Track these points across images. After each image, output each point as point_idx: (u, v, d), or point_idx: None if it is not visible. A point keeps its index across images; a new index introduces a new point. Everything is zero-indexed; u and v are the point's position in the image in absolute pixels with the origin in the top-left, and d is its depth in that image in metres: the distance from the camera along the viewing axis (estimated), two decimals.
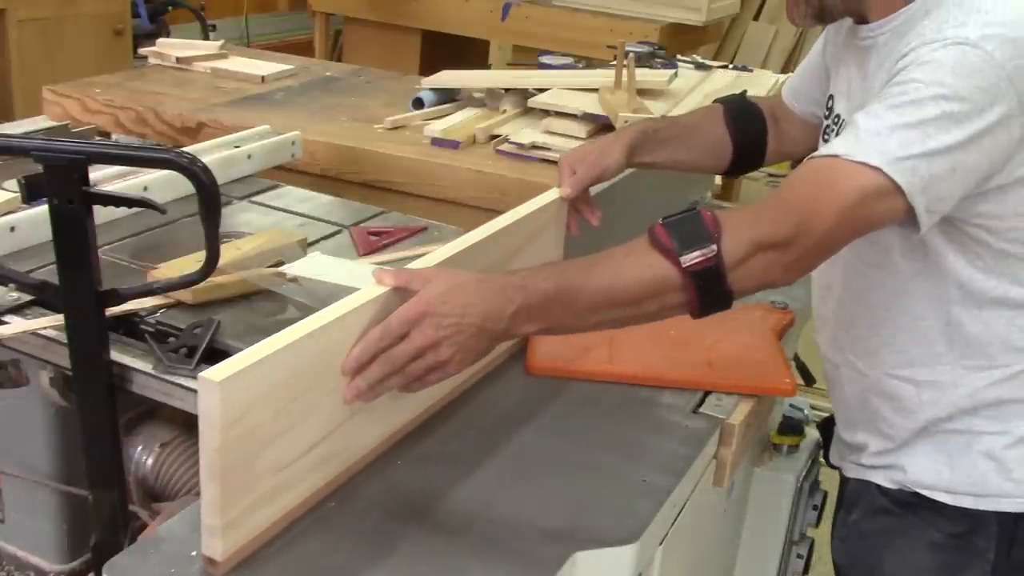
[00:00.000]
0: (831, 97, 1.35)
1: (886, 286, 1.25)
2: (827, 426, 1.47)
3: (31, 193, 1.32)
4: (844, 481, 1.41)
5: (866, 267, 1.27)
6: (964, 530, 1.26)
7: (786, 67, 5.76)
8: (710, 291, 1.07)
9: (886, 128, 1.07)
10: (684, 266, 1.06)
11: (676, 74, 2.81)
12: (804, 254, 1.08)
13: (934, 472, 1.26)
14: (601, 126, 2.33)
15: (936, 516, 1.27)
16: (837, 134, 1.27)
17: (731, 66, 3.19)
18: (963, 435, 1.24)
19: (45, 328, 1.43)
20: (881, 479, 1.31)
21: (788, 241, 1.06)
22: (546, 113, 2.41)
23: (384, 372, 1.02)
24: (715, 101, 1.57)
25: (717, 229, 1.07)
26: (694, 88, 2.80)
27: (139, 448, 1.59)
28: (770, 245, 1.07)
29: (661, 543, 1.12)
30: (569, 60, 3.07)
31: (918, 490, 1.27)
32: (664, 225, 1.12)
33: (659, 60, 2.97)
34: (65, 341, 1.32)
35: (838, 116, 1.31)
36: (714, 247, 1.06)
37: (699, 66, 3.10)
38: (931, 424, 1.25)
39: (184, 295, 1.48)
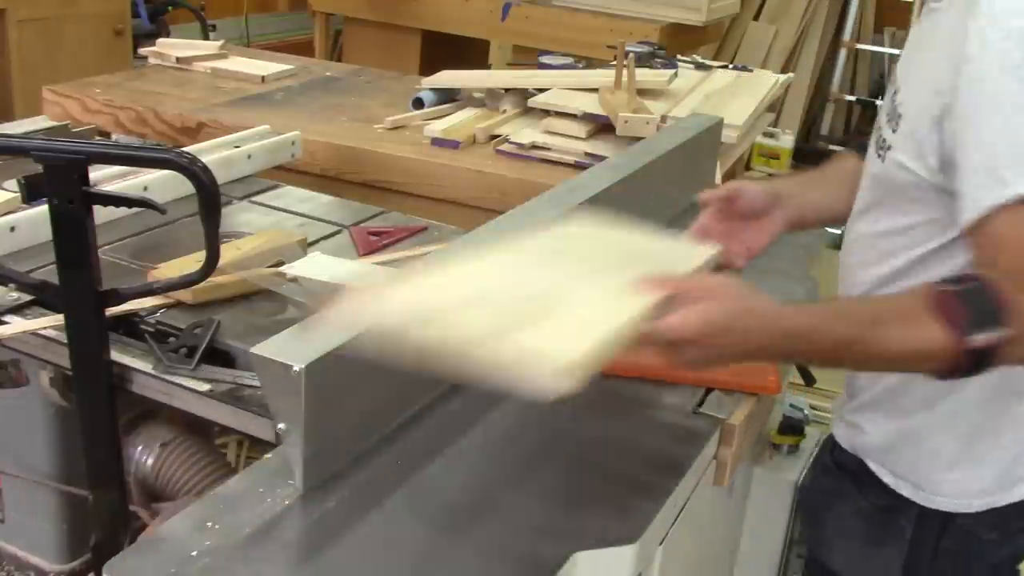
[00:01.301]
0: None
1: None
2: None
3: (31, 193, 1.32)
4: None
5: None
6: (888, 505, 1.29)
7: (786, 67, 5.76)
8: (978, 369, 1.03)
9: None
10: (969, 347, 1.00)
11: (676, 74, 2.81)
12: None
13: (885, 448, 1.28)
14: (601, 126, 2.33)
15: (870, 486, 1.30)
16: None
17: (731, 66, 3.19)
18: (925, 424, 1.24)
19: (45, 328, 1.43)
20: (841, 433, 1.34)
21: None
22: (546, 113, 2.41)
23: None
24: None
25: (1006, 308, 1.00)
26: (694, 88, 2.80)
27: (139, 448, 1.59)
28: None
29: (661, 543, 1.12)
30: (569, 60, 3.07)
31: (865, 460, 1.30)
32: (952, 295, 1.02)
33: (659, 60, 2.97)
34: (65, 341, 1.32)
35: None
36: (1004, 332, 1.00)
37: (699, 66, 3.10)
38: (901, 400, 1.25)
39: (184, 295, 1.48)
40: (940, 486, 1.25)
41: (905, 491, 1.27)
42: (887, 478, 1.28)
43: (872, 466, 1.29)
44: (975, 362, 1.02)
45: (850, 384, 1.33)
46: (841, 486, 1.34)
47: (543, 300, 0.97)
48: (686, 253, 1.19)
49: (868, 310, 1.09)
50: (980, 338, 1.00)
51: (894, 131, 1.19)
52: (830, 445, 1.37)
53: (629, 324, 0.97)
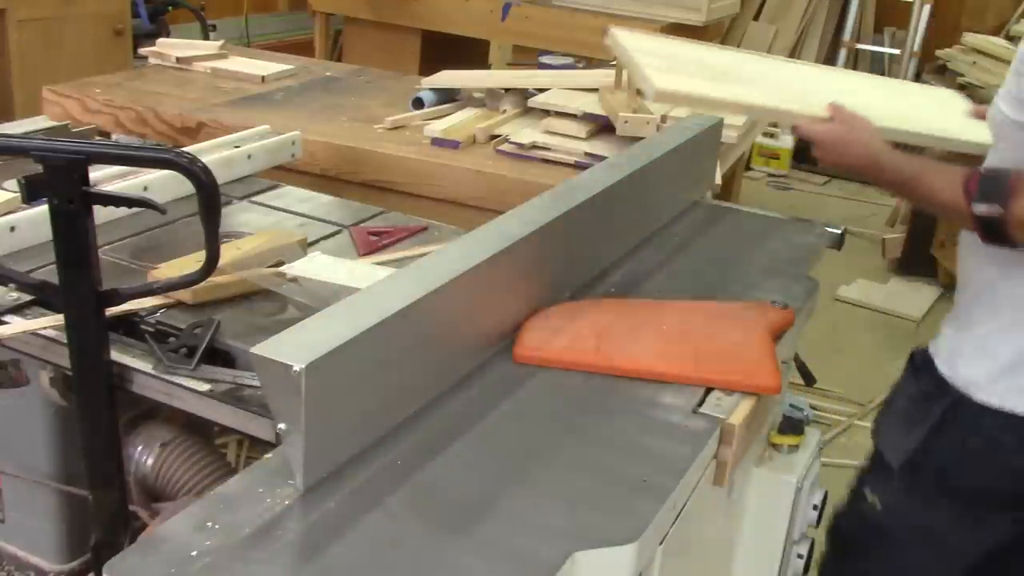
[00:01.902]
0: None
1: None
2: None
3: (31, 193, 1.32)
4: None
5: None
6: (930, 391, 1.55)
7: None
8: (992, 233, 1.38)
9: None
10: (974, 212, 1.37)
11: None
12: None
13: (945, 339, 1.57)
14: (601, 126, 2.33)
15: (925, 372, 1.57)
16: None
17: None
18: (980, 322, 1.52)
19: (45, 328, 1.43)
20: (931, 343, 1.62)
21: None
22: (546, 113, 2.41)
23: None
24: None
25: (1010, 195, 1.34)
26: None
27: (139, 448, 1.59)
28: None
29: (661, 543, 1.12)
30: (569, 60, 3.07)
31: (932, 354, 1.58)
32: (979, 174, 1.40)
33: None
34: (65, 341, 1.32)
35: None
36: (997, 209, 1.35)
37: None
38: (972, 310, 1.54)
39: (184, 295, 1.48)
40: (976, 379, 1.50)
41: (944, 370, 1.54)
42: (939, 362, 1.55)
43: (933, 355, 1.57)
44: (983, 228, 1.38)
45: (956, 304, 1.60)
46: (907, 377, 1.62)
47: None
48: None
49: (933, 165, 1.50)
50: (981, 208, 1.37)
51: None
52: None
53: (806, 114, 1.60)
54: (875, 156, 1.52)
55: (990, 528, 1.57)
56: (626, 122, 2.24)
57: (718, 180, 2.21)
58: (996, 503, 1.55)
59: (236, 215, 1.93)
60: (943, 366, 1.54)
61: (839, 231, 2.04)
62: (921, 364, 1.59)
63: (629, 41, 1.94)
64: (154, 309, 1.48)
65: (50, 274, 1.33)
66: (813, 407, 2.20)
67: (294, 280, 1.55)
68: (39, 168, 1.23)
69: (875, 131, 1.57)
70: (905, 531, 1.60)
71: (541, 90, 2.51)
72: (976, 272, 1.54)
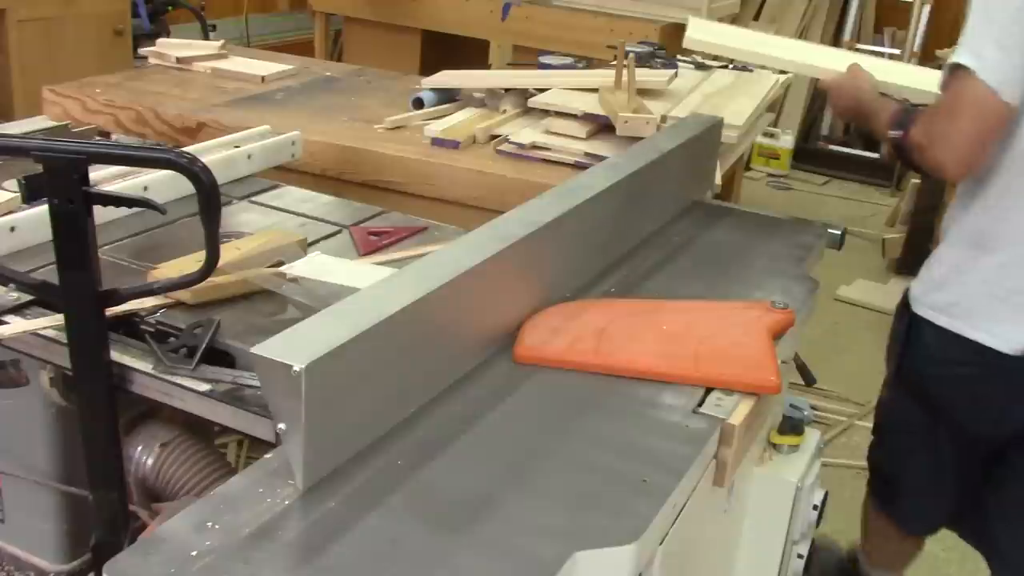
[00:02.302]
0: None
1: None
2: None
3: (31, 193, 1.33)
4: None
5: None
6: (901, 306, 1.93)
7: None
8: (900, 154, 1.80)
9: None
10: (889, 136, 1.81)
11: (676, 74, 2.81)
12: None
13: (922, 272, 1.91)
14: (601, 126, 2.33)
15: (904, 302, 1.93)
16: None
17: (731, 66, 3.18)
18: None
19: (45, 328, 1.43)
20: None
21: None
22: (546, 113, 2.41)
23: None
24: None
25: (913, 124, 1.74)
26: (694, 88, 2.80)
27: (139, 448, 1.59)
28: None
29: (661, 543, 1.12)
30: (569, 60, 3.07)
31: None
32: (900, 109, 1.83)
33: (659, 60, 2.97)
34: (65, 341, 1.32)
35: None
36: (900, 134, 1.77)
37: (699, 66, 3.10)
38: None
39: (184, 295, 1.48)
40: (917, 295, 1.87)
41: (915, 290, 1.88)
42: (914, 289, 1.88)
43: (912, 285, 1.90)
44: (896, 148, 1.80)
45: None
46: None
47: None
48: None
49: (888, 105, 1.89)
50: (892, 133, 1.79)
51: None
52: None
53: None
54: (860, 97, 1.97)
55: (956, 435, 1.90)
56: (626, 122, 2.23)
57: (718, 180, 2.21)
58: (956, 414, 1.88)
59: (236, 215, 1.93)
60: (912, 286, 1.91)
61: (839, 231, 2.03)
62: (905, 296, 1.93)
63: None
64: (154, 309, 1.48)
65: (50, 274, 1.33)
66: (813, 407, 2.21)
67: (294, 280, 1.55)
68: (39, 168, 1.23)
69: (872, 82, 1.99)
70: (896, 422, 2.04)
71: (541, 90, 2.51)
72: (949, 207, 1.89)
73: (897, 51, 6.14)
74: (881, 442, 2.13)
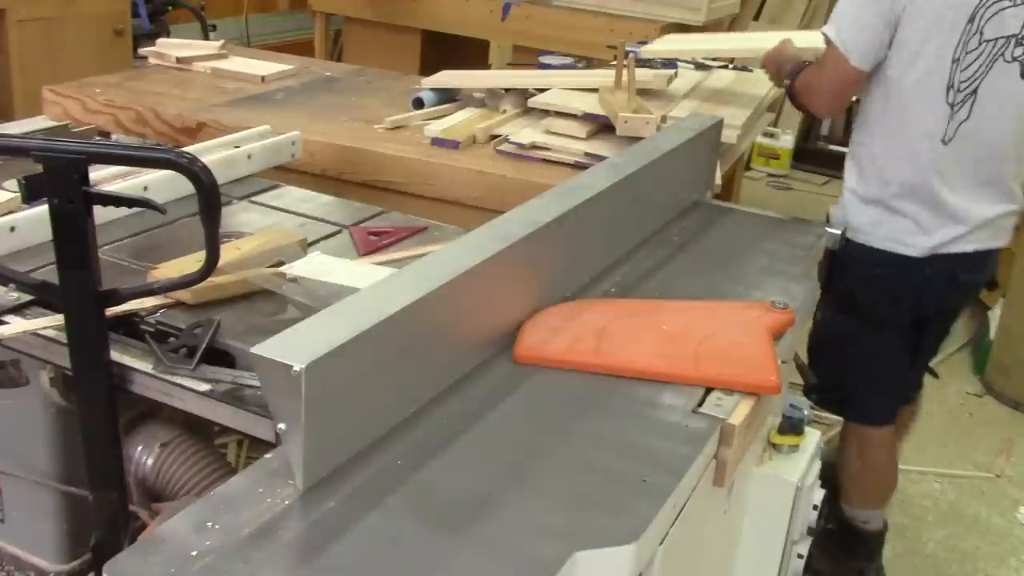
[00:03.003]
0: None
1: None
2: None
3: (31, 193, 1.33)
4: None
5: None
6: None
7: None
8: (792, 99, 2.31)
9: None
10: (784, 84, 2.34)
11: (676, 74, 2.81)
12: None
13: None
14: (601, 126, 2.33)
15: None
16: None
17: (731, 66, 3.19)
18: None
19: (45, 328, 1.43)
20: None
21: None
22: (546, 113, 2.41)
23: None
24: None
25: (798, 74, 2.26)
26: (694, 88, 2.80)
27: (139, 448, 1.59)
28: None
29: (661, 543, 1.12)
30: (569, 60, 3.07)
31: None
32: (797, 64, 2.30)
33: (659, 60, 2.97)
34: (65, 341, 1.32)
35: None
36: (791, 82, 2.28)
37: (699, 66, 3.10)
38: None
39: (184, 295, 1.48)
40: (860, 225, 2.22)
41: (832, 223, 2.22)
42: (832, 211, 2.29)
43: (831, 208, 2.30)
44: (788, 94, 2.33)
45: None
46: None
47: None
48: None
49: (795, 62, 2.32)
50: (785, 82, 2.31)
51: None
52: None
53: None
54: (779, 60, 2.39)
55: (886, 335, 2.29)
56: (626, 122, 2.24)
57: (718, 180, 2.21)
58: (879, 316, 2.27)
59: (236, 215, 1.93)
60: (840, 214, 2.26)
61: (839, 231, 2.04)
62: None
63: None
64: (154, 309, 1.48)
65: (50, 274, 1.33)
66: (813, 407, 2.20)
67: (294, 280, 1.55)
68: (39, 168, 1.23)
69: (792, 50, 2.41)
70: (836, 333, 2.35)
71: (541, 90, 2.51)
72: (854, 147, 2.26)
73: None
74: (829, 358, 2.42)
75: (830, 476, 2.38)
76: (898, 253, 2.18)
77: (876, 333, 2.29)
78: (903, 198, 2.15)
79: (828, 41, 2.11)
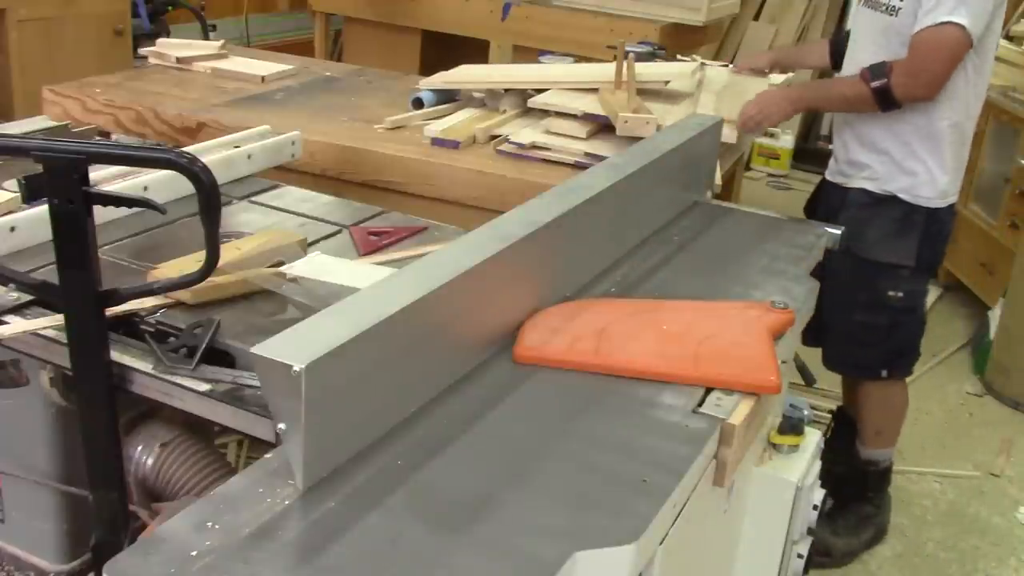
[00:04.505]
0: None
1: None
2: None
3: (31, 193, 1.33)
4: (844, 191, 2.52)
5: None
6: (908, 211, 2.44)
7: None
8: (885, 99, 2.30)
9: None
10: (872, 87, 2.30)
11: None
12: None
13: (899, 183, 2.43)
14: (601, 126, 2.33)
15: (895, 204, 2.44)
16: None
17: (730, 66, 3.18)
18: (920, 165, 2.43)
19: (45, 328, 1.43)
20: (871, 186, 2.47)
21: None
22: (546, 113, 2.41)
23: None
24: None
25: (889, 72, 2.28)
26: (694, 88, 2.80)
27: (139, 448, 1.60)
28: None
29: (661, 543, 1.12)
30: (569, 60, 3.07)
31: (892, 191, 2.44)
32: (867, 68, 2.31)
33: (659, 60, 2.97)
34: (65, 341, 1.32)
35: None
36: (884, 81, 2.28)
37: (700, 66, 3.10)
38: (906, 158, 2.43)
39: (184, 295, 1.48)
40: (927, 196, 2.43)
41: (918, 201, 2.42)
42: (904, 196, 2.43)
43: (897, 194, 2.43)
44: (879, 96, 2.30)
45: (864, 155, 2.47)
46: (879, 208, 2.45)
47: None
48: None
49: (831, 79, 2.60)
50: (875, 83, 2.29)
51: (902, 1, 2.32)
52: (862, 192, 2.48)
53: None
54: (795, 95, 2.47)
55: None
56: (626, 122, 2.24)
57: (718, 180, 2.21)
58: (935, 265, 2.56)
59: (236, 215, 1.93)
60: (915, 199, 2.42)
61: (839, 231, 2.04)
62: (886, 197, 2.45)
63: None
64: (154, 309, 1.48)
65: (50, 274, 1.33)
66: (813, 407, 2.21)
67: (294, 280, 1.55)
68: (39, 168, 1.23)
69: (783, 90, 2.51)
70: (920, 302, 2.58)
71: (541, 90, 2.51)
72: (883, 136, 2.41)
73: None
74: (910, 329, 2.58)
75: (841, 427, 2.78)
76: (952, 204, 2.47)
77: (926, 284, 2.58)
78: (965, 155, 2.45)
79: (949, 26, 2.20)
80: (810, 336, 2.68)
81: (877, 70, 2.28)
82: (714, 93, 2.69)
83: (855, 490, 2.73)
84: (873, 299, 2.51)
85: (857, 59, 2.44)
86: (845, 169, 2.53)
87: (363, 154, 2.30)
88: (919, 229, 2.44)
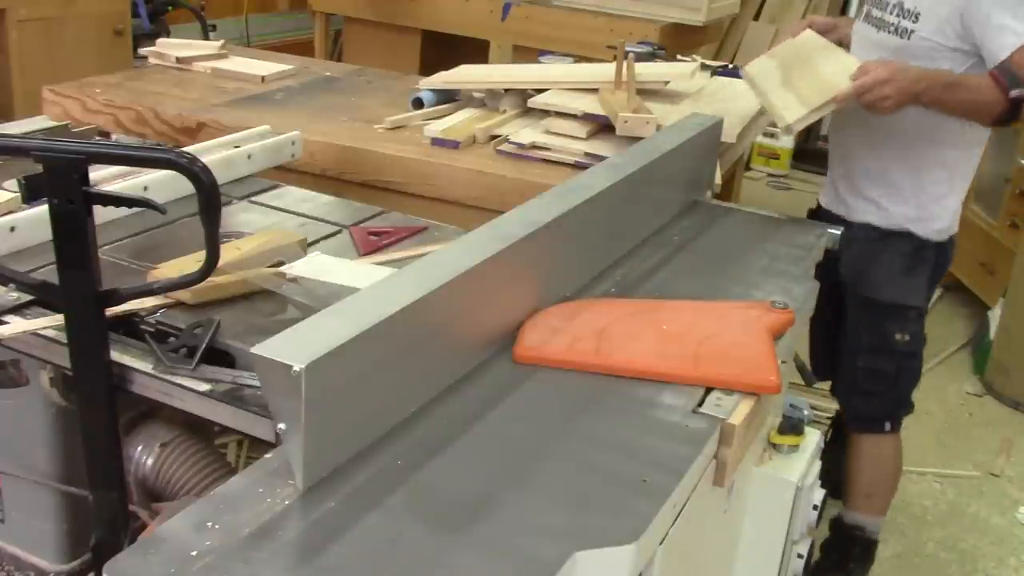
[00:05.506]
0: None
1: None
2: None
3: (31, 193, 1.33)
4: (848, 225, 2.20)
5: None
6: (919, 247, 2.23)
7: None
8: (1015, 114, 1.99)
9: None
10: (1012, 97, 1.96)
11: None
12: None
13: (909, 216, 2.22)
14: (601, 126, 2.33)
15: (905, 239, 2.23)
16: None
17: (731, 66, 3.18)
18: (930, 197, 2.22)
19: (45, 328, 1.43)
20: (878, 221, 2.25)
21: None
22: (546, 113, 2.41)
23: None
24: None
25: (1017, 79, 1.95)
26: (694, 88, 2.80)
27: (139, 448, 1.60)
28: None
29: (661, 543, 1.12)
30: (569, 60, 3.07)
31: (902, 225, 2.23)
32: (997, 73, 1.97)
33: (659, 60, 2.97)
34: (65, 341, 1.32)
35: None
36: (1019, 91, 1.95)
37: (701, 66, 3.10)
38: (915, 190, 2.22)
39: (184, 295, 1.48)
40: (937, 229, 2.23)
41: (929, 235, 2.22)
42: (915, 230, 2.22)
43: (908, 228, 2.22)
44: (1013, 110, 1.98)
45: (870, 188, 2.25)
46: (885, 244, 2.24)
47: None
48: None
49: (961, 75, 2.04)
50: (1015, 92, 1.95)
51: (914, 22, 2.08)
52: (869, 226, 2.25)
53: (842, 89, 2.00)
54: (923, 76, 2.01)
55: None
56: (626, 122, 2.24)
57: (718, 180, 2.21)
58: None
59: (236, 215, 1.93)
60: (926, 233, 2.23)
61: (839, 231, 2.04)
62: (894, 231, 2.24)
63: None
64: (154, 309, 1.48)
65: (50, 274, 1.33)
66: (813, 407, 2.20)
67: (294, 280, 1.55)
68: (39, 168, 1.23)
69: (907, 67, 2.03)
70: (921, 344, 2.32)
71: (541, 90, 2.51)
72: (894, 167, 2.21)
73: None
74: (912, 376, 2.37)
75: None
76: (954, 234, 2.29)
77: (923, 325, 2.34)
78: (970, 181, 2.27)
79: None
80: (817, 365, 2.57)
81: (1012, 77, 1.96)
82: (704, 94, 2.69)
83: (838, 557, 2.50)
84: (879, 343, 2.29)
85: None
86: (848, 200, 2.30)
87: (363, 154, 2.30)
88: (929, 266, 2.25)
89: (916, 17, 2.08)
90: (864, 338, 2.31)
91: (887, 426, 2.38)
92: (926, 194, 2.20)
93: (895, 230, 2.23)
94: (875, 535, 2.48)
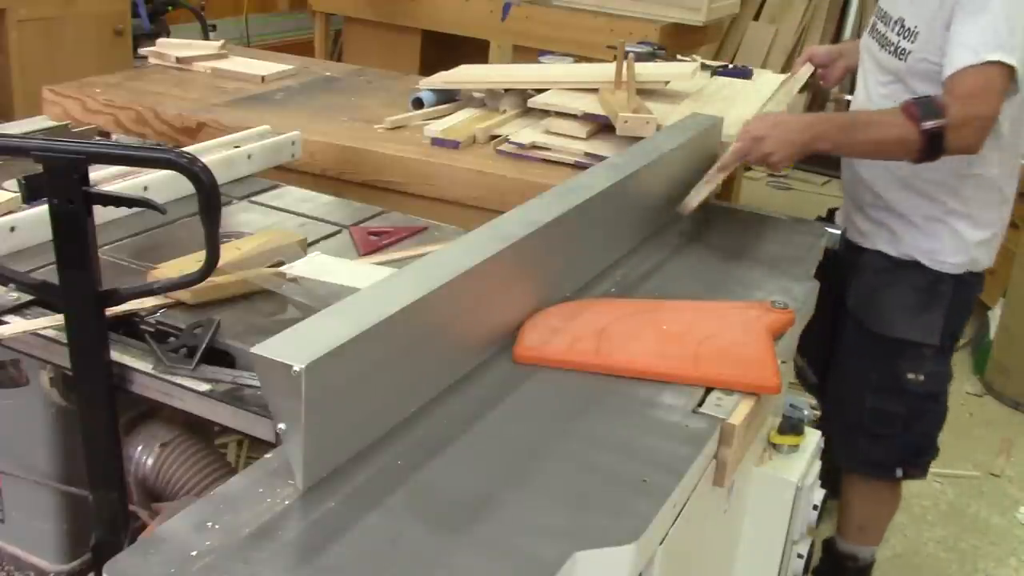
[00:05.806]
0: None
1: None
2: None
3: (31, 193, 1.33)
4: (859, 251, 2.15)
5: None
6: (933, 280, 2.06)
7: (786, 67, 5.75)
8: (934, 150, 1.78)
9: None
10: (923, 129, 1.76)
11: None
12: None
13: (922, 247, 2.05)
14: (601, 126, 2.32)
15: (918, 271, 2.06)
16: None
17: (730, 66, 3.18)
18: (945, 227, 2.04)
19: (45, 328, 1.43)
20: (889, 249, 2.09)
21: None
22: (546, 113, 2.41)
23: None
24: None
25: (944, 108, 1.77)
26: (696, 88, 2.79)
27: (139, 448, 1.60)
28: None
29: (661, 543, 1.12)
30: (569, 60, 3.07)
31: (914, 256, 2.06)
32: (913, 103, 1.80)
33: (659, 60, 2.97)
34: (65, 341, 1.32)
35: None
36: (942, 120, 1.76)
37: (701, 67, 3.09)
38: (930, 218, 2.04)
39: (184, 295, 1.48)
40: (954, 263, 2.05)
41: (944, 268, 2.04)
42: (928, 263, 2.05)
43: (919, 259, 2.06)
44: (929, 143, 1.77)
45: (883, 212, 2.09)
46: (896, 275, 2.08)
47: None
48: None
49: (864, 112, 1.99)
50: (928, 124, 1.76)
51: (912, 42, 1.96)
52: (880, 255, 2.11)
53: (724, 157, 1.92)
54: (812, 122, 1.91)
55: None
56: (626, 122, 2.23)
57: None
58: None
59: (236, 215, 1.93)
60: (940, 265, 2.05)
61: (839, 231, 2.03)
62: (906, 262, 2.08)
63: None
64: (154, 309, 1.48)
65: (50, 274, 1.33)
66: (813, 407, 2.20)
67: (294, 280, 1.55)
68: (39, 168, 1.23)
69: (790, 117, 1.95)
70: (945, 386, 2.20)
71: (541, 90, 2.51)
72: (899, 195, 2.05)
73: None
74: (932, 420, 2.23)
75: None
76: (982, 271, 2.10)
77: (949, 364, 2.16)
78: (1007, 214, 2.08)
79: (996, 67, 1.79)
80: (810, 362, 2.45)
81: (928, 107, 1.79)
82: (704, 96, 2.69)
83: None
84: (889, 382, 2.12)
85: (870, 91, 2.11)
86: (860, 225, 2.16)
87: (363, 154, 2.30)
88: (945, 301, 2.06)
89: (915, 37, 1.96)
90: (872, 376, 2.14)
91: (898, 472, 2.23)
92: (938, 223, 2.04)
93: (906, 260, 2.07)
94: (869, 561, 2.39)
